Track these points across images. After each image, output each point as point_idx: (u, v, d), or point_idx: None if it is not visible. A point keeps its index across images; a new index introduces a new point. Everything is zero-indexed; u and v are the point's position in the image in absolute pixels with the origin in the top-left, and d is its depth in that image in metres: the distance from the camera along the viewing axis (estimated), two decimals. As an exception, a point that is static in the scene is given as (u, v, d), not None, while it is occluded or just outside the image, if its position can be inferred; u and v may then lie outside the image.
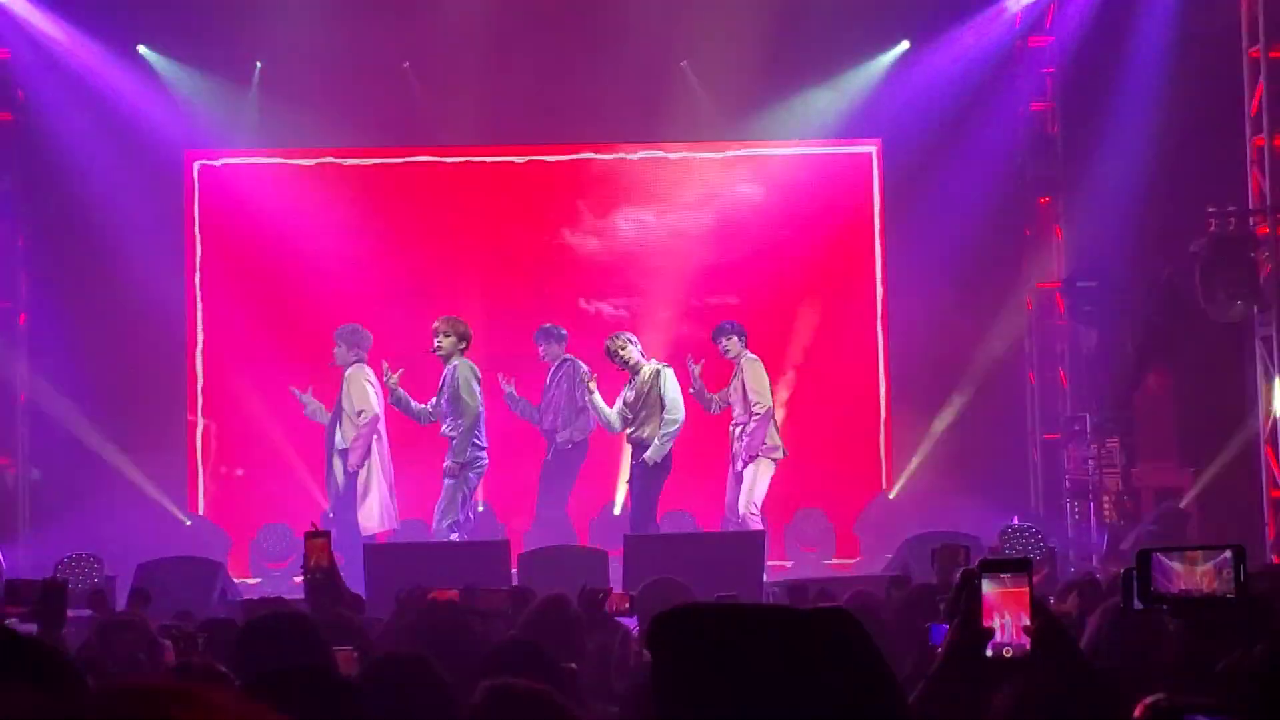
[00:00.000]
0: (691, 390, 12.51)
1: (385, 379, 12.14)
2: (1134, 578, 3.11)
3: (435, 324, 12.16)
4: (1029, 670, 2.83)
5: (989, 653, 2.80)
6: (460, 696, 4.09)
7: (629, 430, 12.29)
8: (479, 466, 12.09)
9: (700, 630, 1.70)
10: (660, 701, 1.70)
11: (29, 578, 6.73)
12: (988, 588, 2.80)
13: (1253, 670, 2.88)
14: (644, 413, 12.13)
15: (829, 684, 1.67)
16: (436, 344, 12.05)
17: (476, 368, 12.20)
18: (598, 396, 12.38)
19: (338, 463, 12.64)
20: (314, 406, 12.94)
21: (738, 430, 12.45)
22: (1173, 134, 13.27)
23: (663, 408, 12.05)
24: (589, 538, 13.51)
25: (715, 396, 12.62)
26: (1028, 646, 2.79)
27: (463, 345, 12.06)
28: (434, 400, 12.17)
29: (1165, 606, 3.11)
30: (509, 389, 13.32)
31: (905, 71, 14.92)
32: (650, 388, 12.11)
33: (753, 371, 12.45)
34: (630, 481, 12.36)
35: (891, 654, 4.63)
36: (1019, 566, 2.84)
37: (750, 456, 12.33)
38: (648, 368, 12.21)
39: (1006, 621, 2.81)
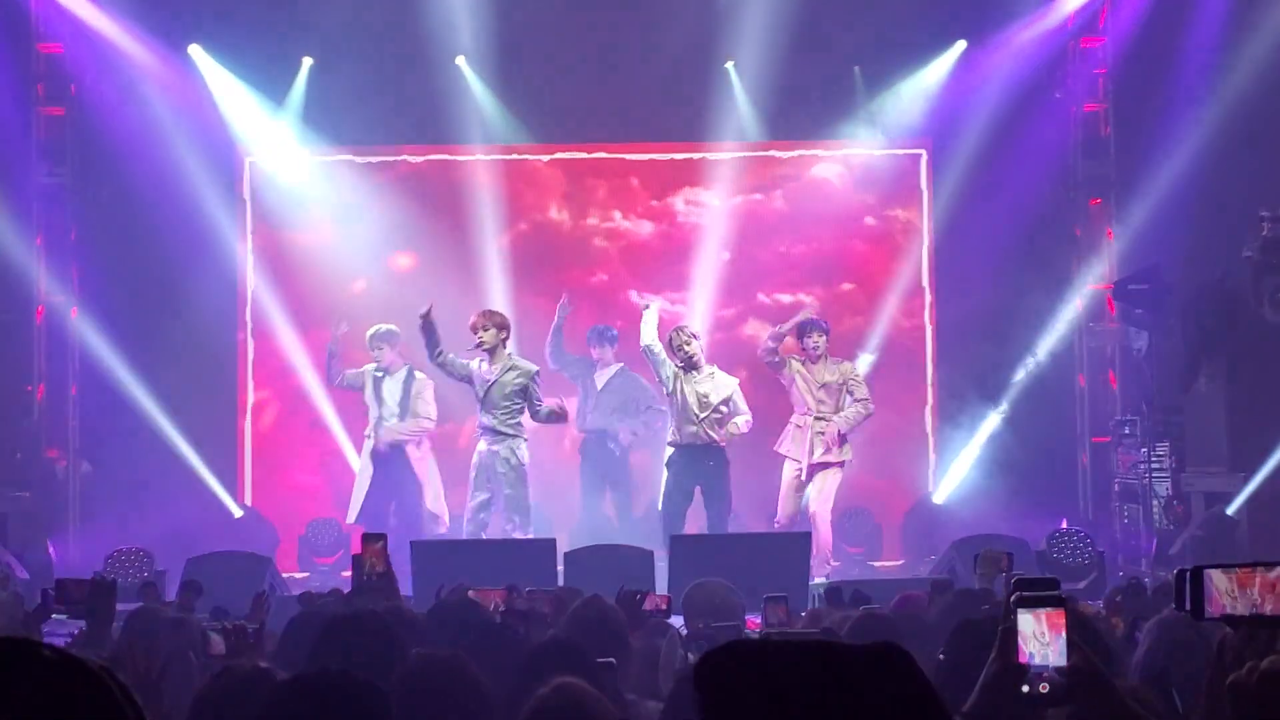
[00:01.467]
0: (780, 329, 12.41)
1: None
2: (1188, 582, 3.07)
3: (472, 320, 12.08)
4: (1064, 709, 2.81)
5: (1025, 688, 2.78)
6: (499, 697, 4.11)
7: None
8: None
9: (749, 668, 1.69)
10: None
11: (78, 576, 6.78)
12: (1024, 615, 2.78)
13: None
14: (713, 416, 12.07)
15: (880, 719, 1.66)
16: (479, 340, 12.02)
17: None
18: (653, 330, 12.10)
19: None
20: (335, 350, 13.06)
21: (821, 424, 12.35)
22: (1226, 136, 13.16)
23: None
24: (633, 536, 13.51)
25: (785, 359, 12.50)
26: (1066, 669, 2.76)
27: (504, 335, 12.01)
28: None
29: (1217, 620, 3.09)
30: (562, 316, 13.28)
31: (957, 72, 14.85)
32: (725, 400, 12.05)
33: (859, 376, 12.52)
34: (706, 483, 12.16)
35: (934, 657, 4.61)
36: (1055, 602, 2.82)
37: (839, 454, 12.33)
38: (724, 381, 12.10)
39: (1045, 641, 2.78)
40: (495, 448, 11.90)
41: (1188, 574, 3.07)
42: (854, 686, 1.66)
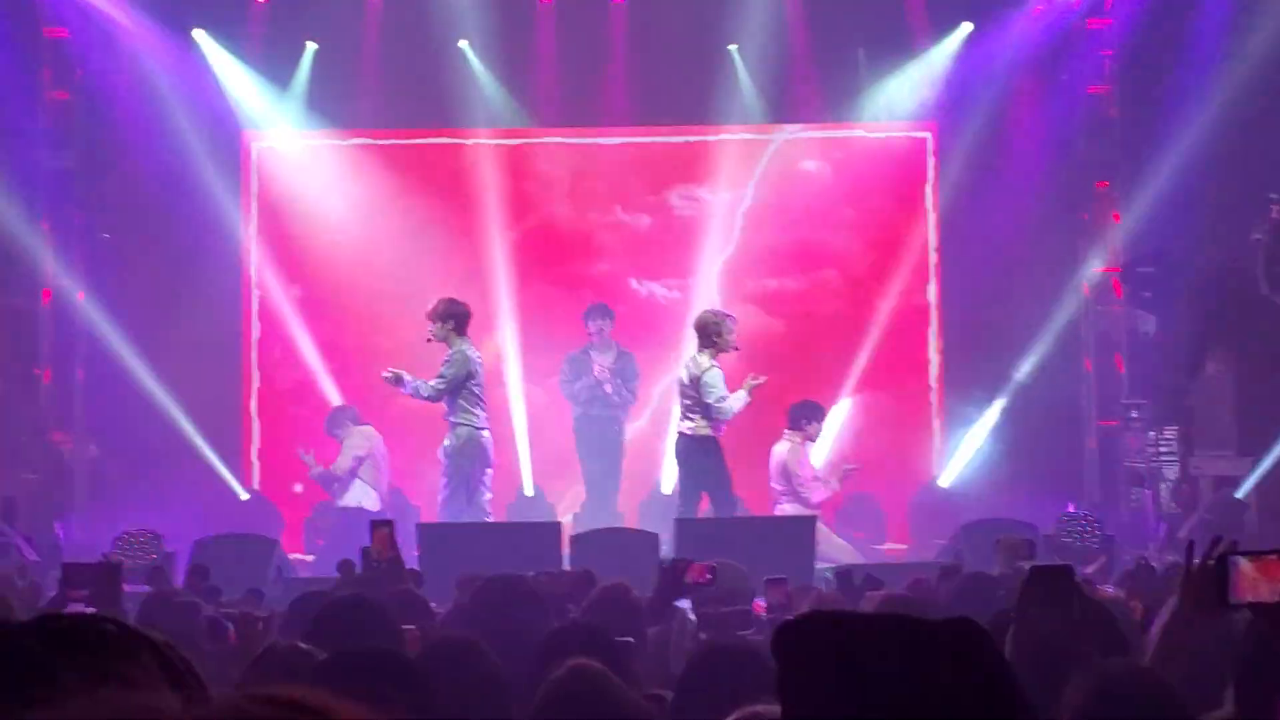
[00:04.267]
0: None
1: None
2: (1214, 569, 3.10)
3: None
4: (1099, 666, 2.84)
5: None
6: (520, 678, 4.11)
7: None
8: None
9: (828, 639, 1.70)
10: (787, 706, 1.70)
11: (87, 557, 6.79)
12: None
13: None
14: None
15: (956, 697, 1.66)
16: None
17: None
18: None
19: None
20: (317, 471, 13.34)
21: None
22: (1234, 118, 13.14)
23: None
24: (638, 519, 13.51)
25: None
26: None
27: (450, 325, 11.73)
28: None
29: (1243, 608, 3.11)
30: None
31: (963, 54, 14.82)
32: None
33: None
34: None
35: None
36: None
37: None
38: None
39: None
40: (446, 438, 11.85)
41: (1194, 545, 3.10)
42: (932, 662, 1.67)
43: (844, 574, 8.37)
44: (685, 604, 6.86)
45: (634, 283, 15.10)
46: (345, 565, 8.02)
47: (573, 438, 13.83)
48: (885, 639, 1.69)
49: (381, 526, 6.33)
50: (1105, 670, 3.44)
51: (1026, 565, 6.18)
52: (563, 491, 14.05)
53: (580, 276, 14.99)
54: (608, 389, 13.49)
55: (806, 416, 12.71)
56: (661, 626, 5.74)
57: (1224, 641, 3.80)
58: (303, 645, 3.92)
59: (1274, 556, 3.05)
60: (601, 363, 13.56)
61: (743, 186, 15.10)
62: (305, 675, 3.42)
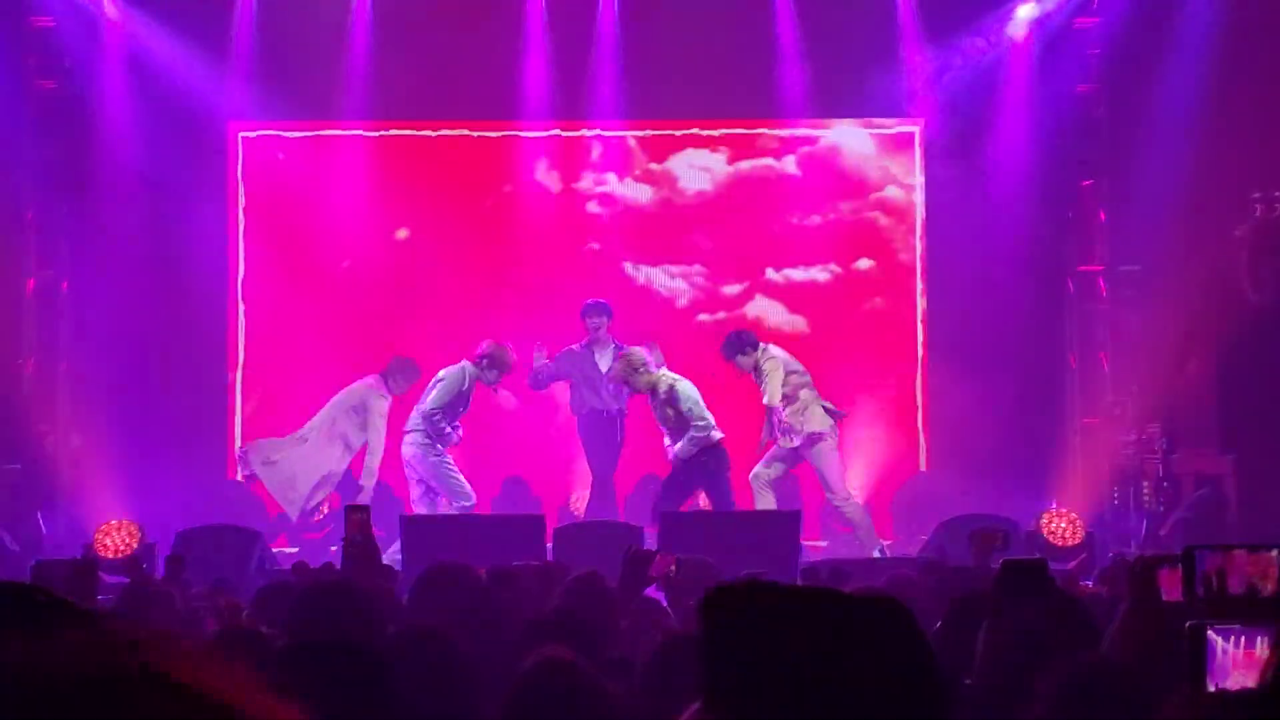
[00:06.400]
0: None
1: None
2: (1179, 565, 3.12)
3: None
4: (1069, 658, 2.86)
5: None
6: (490, 668, 4.11)
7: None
8: None
9: (754, 607, 1.72)
10: (708, 675, 1.71)
11: (68, 548, 6.78)
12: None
13: None
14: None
15: (874, 669, 1.68)
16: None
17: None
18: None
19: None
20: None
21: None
22: (1219, 117, 13.16)
23: (688, 422, 12.10)
24: (625, 513, 13.51)
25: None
26: None
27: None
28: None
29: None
30: (539, 362, 13.31)
31: (951, 50, 14.83)
32: (665, 407, 12.16)
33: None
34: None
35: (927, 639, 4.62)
36: None
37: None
38: (661, 382, 12.24)
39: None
40: None
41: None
42: (852, 634, 1.68)
43: (809, 570, 8.39)
44: (660, 595, 6.86)
45: (629, 267, 14.99)
46: (299, 567, 8.03)
47: (560, 433, 13.85)
48: (809, 609, 1.71)
49: (355, 512, 6.34)
50: (1074, 662, 3.46)
51: (1000, 558, 6.20)
52: (559, 487, 14.01)
53: (564, 258, 14.86)
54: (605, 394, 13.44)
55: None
56: (635, 617, 5.75)
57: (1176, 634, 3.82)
58: (264, 630, 3.91)
59: (1243, 551, 3.06)
60: (602, 368, 13.40)
61: (726, 182, 15.00)
62: (265, 663, 3.41)
